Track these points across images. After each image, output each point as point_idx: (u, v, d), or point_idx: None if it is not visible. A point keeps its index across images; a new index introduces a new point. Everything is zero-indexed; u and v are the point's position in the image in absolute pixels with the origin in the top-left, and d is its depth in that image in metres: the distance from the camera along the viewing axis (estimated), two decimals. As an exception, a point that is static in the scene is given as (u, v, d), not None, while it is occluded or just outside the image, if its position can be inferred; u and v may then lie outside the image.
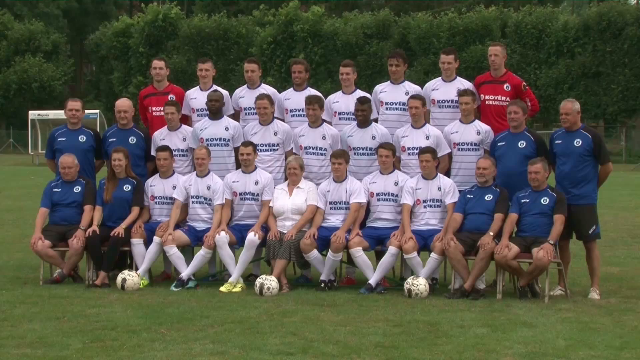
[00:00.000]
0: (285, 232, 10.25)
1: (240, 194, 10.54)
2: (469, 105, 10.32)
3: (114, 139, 10.97)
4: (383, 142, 10.39)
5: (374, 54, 52.30)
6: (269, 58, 53.50)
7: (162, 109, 11.11)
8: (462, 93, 10.37)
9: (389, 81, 10.96)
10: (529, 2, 56.97)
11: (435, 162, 10.21)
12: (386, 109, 10.78)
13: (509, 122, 10.15)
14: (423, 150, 10.15)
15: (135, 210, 10.58)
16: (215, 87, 11.26)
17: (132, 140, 10.92)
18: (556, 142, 9.99)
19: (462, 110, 10.38)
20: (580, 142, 9.79)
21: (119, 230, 10.35)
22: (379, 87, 11.04)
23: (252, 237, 10.19)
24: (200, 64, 11.36)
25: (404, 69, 10.90)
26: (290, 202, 10.34)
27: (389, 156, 10.26)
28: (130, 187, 10.61)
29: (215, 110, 10.83)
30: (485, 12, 52.71)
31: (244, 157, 10.44)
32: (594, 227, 9.84)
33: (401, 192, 10.24)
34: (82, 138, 11.00)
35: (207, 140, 10.78)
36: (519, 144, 10.04)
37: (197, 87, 11.47)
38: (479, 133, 10.37)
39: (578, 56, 49.65)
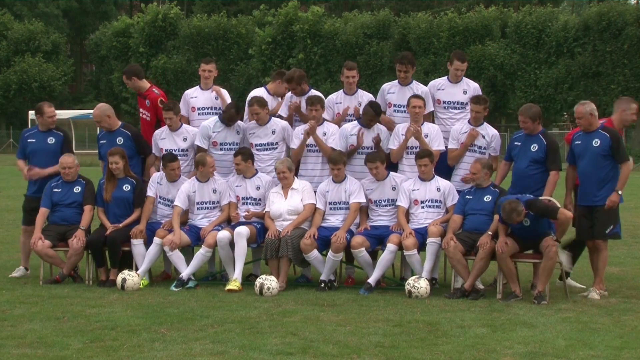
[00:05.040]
0: (283, 231, 10.27)
1: (243, 198, 10.56)
2: (479, 113, 10.36)
3: (104, 141, 11.05)
4: (369, 155, 10.35)
5: (374, 54, 52.30)
6: (269, 58, 53.49)
7: (143, 111, 11.31)
8: (475, 101, 10.38)
9: (397, 81, 10.89)
10: (529, 2, 57.00)
11: (433, 165, 10.21)
12: (394, 110, 10.76)
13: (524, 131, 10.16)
14: (421, 155, 10.15)
15: (137, 212, 10.59)
16: (214, 87, 11.36)
17: (120, 140, 10.92)
18: (576, 142, 9.97)
19: (472, 118, 10.43)
20: (599, 142, 9.75)
21: (118, 226, 10.38)
22: (387, 87, 10.97)
23: (240, 230, 10.17)
24: (204, 64, 11.36)
25: (412, 72, 10.85)
26: (286, 205, 10.31)
27: (378, 167, 10.25)
28: (130, 187, 10.61)
29: (232, 121, 10.84)
30: (485, 12, 52.72)
31: (236, 167, 10.49)
32: (611, 226, 9.77)
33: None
34: (50, 140, 11.07)
35: (220, 144, 10.81)
36: (532, 147, 10.01)
37: (197, 86, 11.50)
38: (484, 137, 10.39)
39: (578, 56, 49.65)
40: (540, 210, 9.36)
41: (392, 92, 10.84)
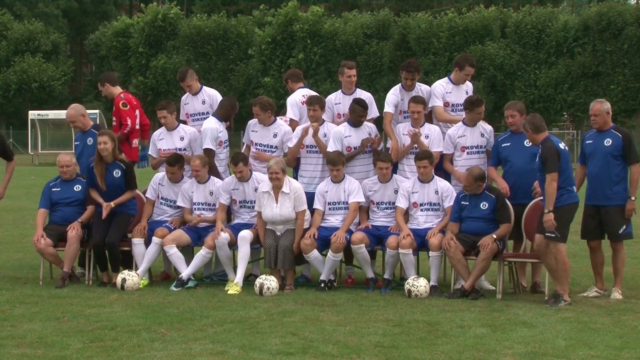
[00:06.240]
0: (278, 234, 10.24)
1: (240, 202, 10.55)
2: (480, 115, 10.34)
3: (78, 142, 11.16)
4: (382, 154, 10.38)
5: (373, 54, 52.29)
6: (269, 58, 53.49)
7: (114, 118, 11.40)
8: (470, 107, 10.29)
9: (399, 86, 10.75)
10: (528, 2, 57.00)
11: (432, 167, 10.19)
12: (404, 117, 10.72)
13: (509, 126, 10.12)
14: (420, 157, 10.12)
15: (128, 193, 10.43)
16: (204, 88, 11.45)
17: (90, 141, 10.83)
18: (587, 142, 9.89)
19: (475, 119, 10.34)
20: (611, 141, 9.68)
21: (107, 206, 10.23)
22: (396, 93, 10.73)
23: (243, 234, 10.17)
24: (180, 81, 11.39)
25: (418, 78, 10.74)
26: (278, 214, 10.19)
27: (388, 168, 10.25)
28: (120, 172, 10.38)
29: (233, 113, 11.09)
30: (485, 12, 52.72)
31: (238, 175, 10.42)
32: (624, 226, 9.75)
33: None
34: None
35: (223, 142, 10.92)
36: (525, 142, 9.91)
37: (188, 93, 11.52)
38: (483, 135, 10.37)
39: (578, 56, 49.66)
40: (544, 152, 9.13)
41: (403, 99, 10.67)
